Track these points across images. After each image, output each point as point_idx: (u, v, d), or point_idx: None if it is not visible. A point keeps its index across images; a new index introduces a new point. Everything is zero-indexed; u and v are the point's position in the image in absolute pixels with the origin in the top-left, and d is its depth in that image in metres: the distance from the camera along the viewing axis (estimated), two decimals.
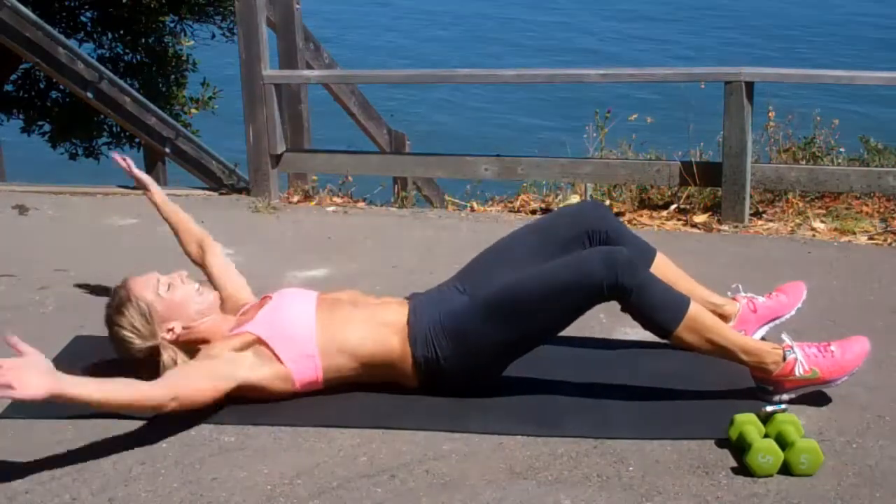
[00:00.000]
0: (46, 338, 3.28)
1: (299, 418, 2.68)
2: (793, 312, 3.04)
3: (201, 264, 3.25)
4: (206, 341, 2.78)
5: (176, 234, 3.41)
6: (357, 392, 2.79)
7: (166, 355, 2.72)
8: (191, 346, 2.77)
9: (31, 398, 2.21)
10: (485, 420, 2.64)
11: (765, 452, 2.35)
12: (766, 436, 2.43)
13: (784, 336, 2.73)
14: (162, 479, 2.42)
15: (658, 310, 2.63)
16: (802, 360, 2.65)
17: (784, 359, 2.66)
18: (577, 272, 2.62)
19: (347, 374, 2.75)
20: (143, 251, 4.27)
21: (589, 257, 2.65)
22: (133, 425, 2.66)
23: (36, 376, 2.23)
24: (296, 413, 2.71)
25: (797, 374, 2.65)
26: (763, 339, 2.96)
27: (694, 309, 2.65)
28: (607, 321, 3.21)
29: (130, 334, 2.74)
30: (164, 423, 2.66)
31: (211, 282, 3.12)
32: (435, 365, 2.70)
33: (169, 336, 2.75)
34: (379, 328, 2.73)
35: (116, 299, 2.79)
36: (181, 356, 2.73)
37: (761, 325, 3.02)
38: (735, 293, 3.09)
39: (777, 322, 3.02)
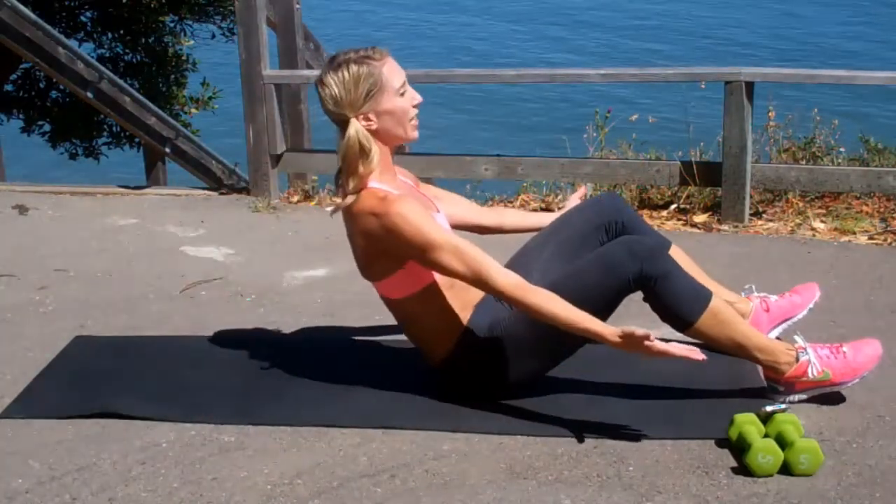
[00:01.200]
0: (46, 338, 3.28)
1: (299, 418, 2.68)
2: (804, 313, 3.03)
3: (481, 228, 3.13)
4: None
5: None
6: (357, 392, 2.80)
7: (353, 130, 2.61)
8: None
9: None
10: (485, 420, 2.64)
11: (765, 452, 2.35)
12: (766, 436, 2.44)
13: (797, 337, 2.72)
14: (162, 479, 2.42)
15: (681, 299, 2.62)
16: (815, 361, 2.65)
17: (797, 360, 2.66)
18: (604, 268, 2.62)
19: (421, 305, 2.69)
20: (144, 251, 4.27)
21: (612, 250, 2.64)
22: (133, 425, 2.67)
23: None
24: (296, 413, 2.71)
25: (810, 375, 2.65)
26: (778, 338, 2.96)
27: (716, 302, 2.64)
28: (607, 321, 3.20)
29: (342, 86, 2.61)
30: (164, 424, 2.67)
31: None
32: (467, 358, 2.69)
33: (363, 123, 2.63)
34: (453, 304, 2.70)
35: (366, 53, 2.65)
36: (374, 145, 2.62)
37: (774, 325, 3.01)
38: (748, 293, 3.09)
39: (790, 322, 3.02)
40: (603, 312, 2.66)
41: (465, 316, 2.71)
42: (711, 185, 4.63)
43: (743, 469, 2.39)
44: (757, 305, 3.02)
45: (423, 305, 2.69)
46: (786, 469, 2.37)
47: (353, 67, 2.62)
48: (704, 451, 2.49)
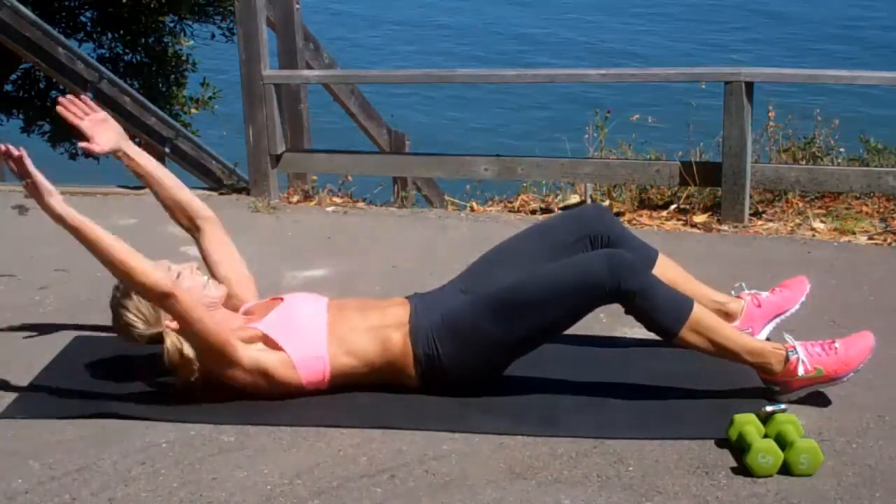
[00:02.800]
0: (46, 338, 3.28)
1: (299, 418, 2.68)
2: (797, 306, 3.04)
3: (199, 247, 3.14)
4: None
5: (159, 199, 3.27)
6: (357, 392, 2.79)
7: (169, 342, 2.72)
8: None
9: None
10: (485, 420, 2.64)
11: (765, 452, 2.35)
12: (765, 436, 2.44)
13: (786, 336, 2.73)
14: (162, 479, 2.42)
15: (661, 312, 2.64)
16: (805, 359, 2.65)
17: (787, 359, 2.66)
18: (581, 275, 2.63)
19: (352, 375, 2.76)
20: (143, 251, 4.26)
21: (592, 260, 2.66)
22: (133, 425, 2.67)
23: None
24: (296, 413, 2.71)
25: (801, 373, 2.66)
26: (768, 338, 2.96)
27: (697, 311, 2.65)
28: (607, 321, 3.20)
29: (135, 318, 2.76)
30: (164, 423, 2.67)
31: (210, 270, 3.04)
32: (435, 363, 2.71)
33: (173, 325, 2.73)
34: (383, 330, 2.74)
35: (122, 286, 2.79)
36: (186, 345, 2.72)
37: (768, 320, 3.02)
38: (739, 291, 3.09)
39: (783, 317, 3.03)
40: (569, 317, 2.71)
41: (405, 349, 2.73)
42: (711, 185, 4.63)
43: (743, 469, 2.39)
44: (749, 303, 3.03)
45: (356, 364, 2.75)
46: (786, 469, 2.37)
47: (125, 300, 2.78)
48: (704, 451, 2.49)
